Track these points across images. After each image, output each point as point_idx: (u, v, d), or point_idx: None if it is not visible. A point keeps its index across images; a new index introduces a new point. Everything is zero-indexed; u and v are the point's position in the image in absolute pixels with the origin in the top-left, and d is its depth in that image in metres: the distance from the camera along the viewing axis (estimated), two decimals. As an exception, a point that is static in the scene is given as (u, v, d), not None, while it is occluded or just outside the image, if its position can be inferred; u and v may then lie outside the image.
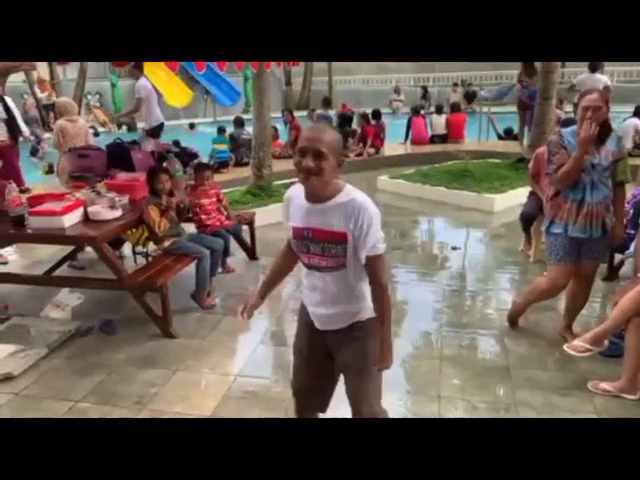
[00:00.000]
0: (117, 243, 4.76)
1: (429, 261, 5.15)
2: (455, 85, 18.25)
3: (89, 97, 17.58)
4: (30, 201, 4.02)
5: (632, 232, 3.57)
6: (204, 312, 4.07)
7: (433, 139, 10.47)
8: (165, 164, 4.80)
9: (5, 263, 5.16)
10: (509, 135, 10.56)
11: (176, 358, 3.44)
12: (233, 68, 6.48)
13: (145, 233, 4.32)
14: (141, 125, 8.47)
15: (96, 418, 2.84)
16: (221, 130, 9.44)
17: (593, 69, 8.41)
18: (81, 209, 3.87)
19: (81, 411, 2.93)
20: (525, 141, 8.67)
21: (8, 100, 7.00)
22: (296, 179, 1.90)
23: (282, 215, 2.05)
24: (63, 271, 4.78)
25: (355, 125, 10.60)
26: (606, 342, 3.00)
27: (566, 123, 4.20)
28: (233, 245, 4.75)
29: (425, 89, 18.48)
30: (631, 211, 3.86)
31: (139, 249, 4.69)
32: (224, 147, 8.79)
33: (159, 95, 8.74)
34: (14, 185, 4.05)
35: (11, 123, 6.87)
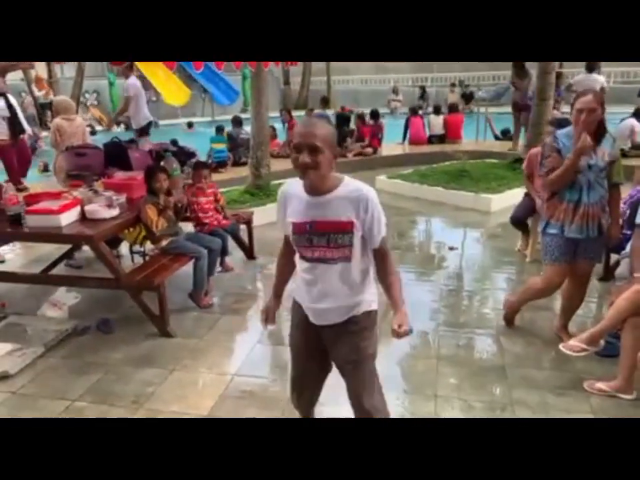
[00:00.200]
0: (114, 242, 4.76)
1: (426, 261, 5.16)
2: (453, 85, 18.26)
3: (87, 95, 17.55)
4: (27, 199, 4.02)
5: (628, 232, 3.58)
6: (201, 311, 4.07)
7: (431, 139, 10.49)
8: (162, 163, 4.79)
9: (2, 262, 5.15)
10: (506, 136, 10.56)
11: (173, 357, 3.44)
12: (231, 67, 6.45)
13: (142, 232, 4.31)
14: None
15: (92, 417, 2.84)
16: (219, 129, 9.42)
17: (590, 69, 8.43)
18: (78, 208, 3.86)
19: (78, 410, 2.92)
20: (521, 141, 8.69)
21: (10, 97, 6.88)
22: (294, 179, 1.91)
23: (277, 212, 2.04)
24: (60, 269, 4.77)
25: (352, 125, 10.60)
26: (602, 342, 3.02)
27: (561, 123, 4.20)
28: (231, 244, 4.75)
29: (423, 89, 18.52)
30: (628, 211, 3.88)
31: (137, 248, 4.70)
32: (222, 146, 8.78)
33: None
34: (10, 184, 4.04)
35: (13, 120, 6.80)
